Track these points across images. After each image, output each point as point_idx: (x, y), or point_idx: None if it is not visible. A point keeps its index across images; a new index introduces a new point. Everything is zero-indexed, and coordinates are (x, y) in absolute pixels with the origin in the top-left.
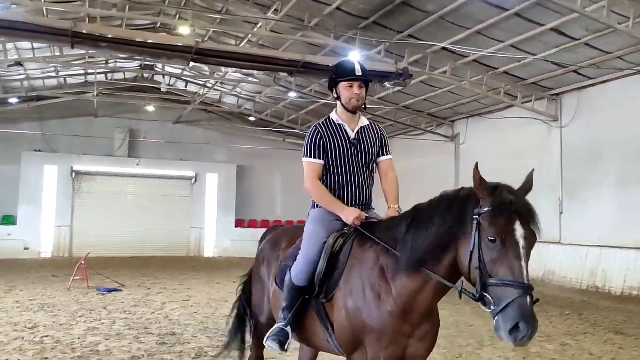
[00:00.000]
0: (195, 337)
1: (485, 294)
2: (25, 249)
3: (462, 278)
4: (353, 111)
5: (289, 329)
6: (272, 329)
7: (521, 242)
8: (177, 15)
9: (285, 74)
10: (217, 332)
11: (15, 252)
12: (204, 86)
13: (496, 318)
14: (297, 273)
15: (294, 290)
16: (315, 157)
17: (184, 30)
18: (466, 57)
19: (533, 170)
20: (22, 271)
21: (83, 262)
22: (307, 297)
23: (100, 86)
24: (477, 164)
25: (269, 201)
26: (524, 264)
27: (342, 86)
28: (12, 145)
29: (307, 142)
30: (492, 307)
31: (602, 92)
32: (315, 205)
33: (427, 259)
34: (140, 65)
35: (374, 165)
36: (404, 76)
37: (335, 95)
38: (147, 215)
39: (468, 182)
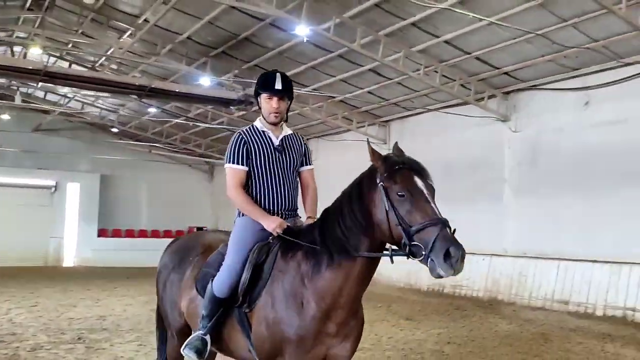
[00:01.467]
0: (35, 336)
1: (414, 243)
2: None
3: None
4: (272, 124)
5: (207, 337)
6: (191, 337)
7: (425, 190)
8: (31, 34)
9: (135, 97)
10: (58, 331)
11: None
12: (65, 96)
13: (429, 259)
14: (220, 284)
15: (215, 300)
16: (238, 163)
17: (35, 50)
18: (307, 86)
19: (396, 142)
20: None
21: None
22: (228, 306)
23: None
24: (367, 139)
25: (134, 211)
26: (433, 205)
27: (263, 98)
28: None
29: (230, 148)
30: (422, 253)
31: (417, 123)
32: (241, 214)
33: (349, 243)
34: None
35: (297, 173)
36: (245, 103)
37: (258, 106)
38: (2, 224)
39: (322, 192)
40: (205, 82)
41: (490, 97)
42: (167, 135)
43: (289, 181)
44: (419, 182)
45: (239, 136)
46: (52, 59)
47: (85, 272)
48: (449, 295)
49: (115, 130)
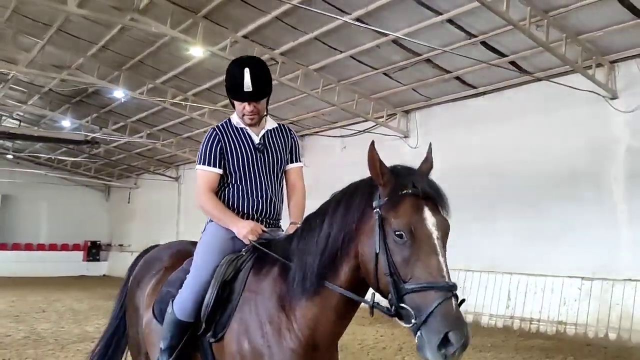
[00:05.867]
0: None
1: (403, 305)
2: None
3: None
4: (249, 125)
5: None
6: None
7: (434, 232)
8: None
9: None
10: None
11: None
12: None
13: (418, 333)
14: (182, 304)
15: (177, 326)
16: (210, 165)
17: None
18: (156, 126)
19: (430, 144)
20: None
21: None
22: (192, 334)
23: None
24: (372, 141)
25: (34, 227)
26: (441, 259)
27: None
28: None
29: (203, 148)
30: (412, 321)
31: None
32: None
33: (324, 271)
34: None
35: (282, 173)
36: (91, 143)
37: (231, 103)
38: None
39: (188, 212)
40: (66, 124)
41: None
42: (58, 161)
43: (271, 185)
44: (430, 219)
45: (212, 133)
46: None
47: None
48: None
49: (10, 157)
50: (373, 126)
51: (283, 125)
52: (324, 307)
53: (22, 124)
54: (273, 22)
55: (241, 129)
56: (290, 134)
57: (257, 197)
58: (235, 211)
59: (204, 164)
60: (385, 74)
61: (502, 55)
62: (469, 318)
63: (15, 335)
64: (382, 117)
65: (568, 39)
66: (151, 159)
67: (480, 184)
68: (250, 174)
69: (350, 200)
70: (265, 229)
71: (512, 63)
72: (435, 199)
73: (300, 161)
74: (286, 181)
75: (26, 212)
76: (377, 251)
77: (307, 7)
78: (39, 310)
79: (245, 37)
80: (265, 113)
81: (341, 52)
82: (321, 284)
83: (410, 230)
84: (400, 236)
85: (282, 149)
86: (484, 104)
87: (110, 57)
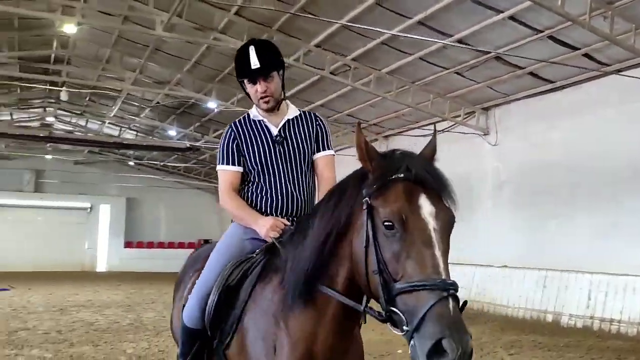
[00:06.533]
0: (38, 312)
1: (394, 309)
2: None
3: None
4: (267, 111)
5: None
6: None
7: (430, 223)
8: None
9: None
10: (56, 306)
11: None
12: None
13: (412, 342)
14: (189, 311)
15: (186, 333)
16: (229, 164)
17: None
18: None
19: (435, 126)
20: None
21: None
22: (207, 341)
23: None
24: (359, 123)
25: (154, 226)
26: (437, 252)
27: (246, 83)
28: None
29: (220, 147)
30: (405, 328)
31: None
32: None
33: (318, 275)
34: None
35: (309, 165)
36: (192, 150)
37: (246, 93)
38: (49, 239)
39: None
40: (172, 133)
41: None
42: (172, 167)
43: (293, 180)
44: (425, 207)
45: (228, 131)
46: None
47: (109, 275)
48: None
49: (131, 163)
50: (453, 124)
51: (307, 112)
52: (320, 317)
53: (138, 134)
54: (342, 31)
55: (259, 121)
56: (316, 121)
57: (276, 194)
58: (259, 211)
59: (222, 163)
60: (457, 73)
61: (574, 48)
62: (548, 318)
63: (122, 322)
64: (460, 115)
65: (637, 29)
66: None
67: (558, 180)
68: (268, 170)
69: (342, 193)
70: (287, 223)
71: (586, 55)
72: (433, 185)
73: (329, 149)
74: (315, 171)
75: (147, 214)
76: (367, 244)
77: (360, 25)
78: (149, 301)
79: (317, 46)
80: (281, 96)
81: (410, 54)
82: (315, 289)
83: (400, 220)
84: (390, 227)
85: (306, 138)
86: (561, 98)
87: (203, 71)
